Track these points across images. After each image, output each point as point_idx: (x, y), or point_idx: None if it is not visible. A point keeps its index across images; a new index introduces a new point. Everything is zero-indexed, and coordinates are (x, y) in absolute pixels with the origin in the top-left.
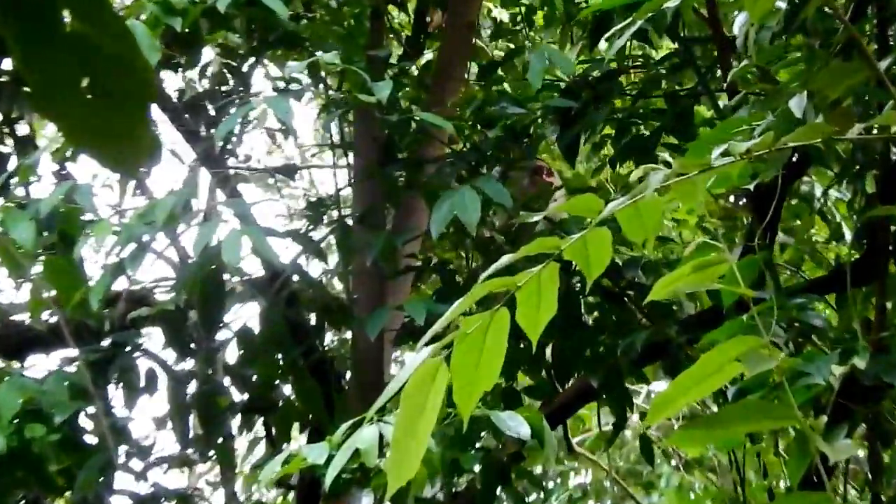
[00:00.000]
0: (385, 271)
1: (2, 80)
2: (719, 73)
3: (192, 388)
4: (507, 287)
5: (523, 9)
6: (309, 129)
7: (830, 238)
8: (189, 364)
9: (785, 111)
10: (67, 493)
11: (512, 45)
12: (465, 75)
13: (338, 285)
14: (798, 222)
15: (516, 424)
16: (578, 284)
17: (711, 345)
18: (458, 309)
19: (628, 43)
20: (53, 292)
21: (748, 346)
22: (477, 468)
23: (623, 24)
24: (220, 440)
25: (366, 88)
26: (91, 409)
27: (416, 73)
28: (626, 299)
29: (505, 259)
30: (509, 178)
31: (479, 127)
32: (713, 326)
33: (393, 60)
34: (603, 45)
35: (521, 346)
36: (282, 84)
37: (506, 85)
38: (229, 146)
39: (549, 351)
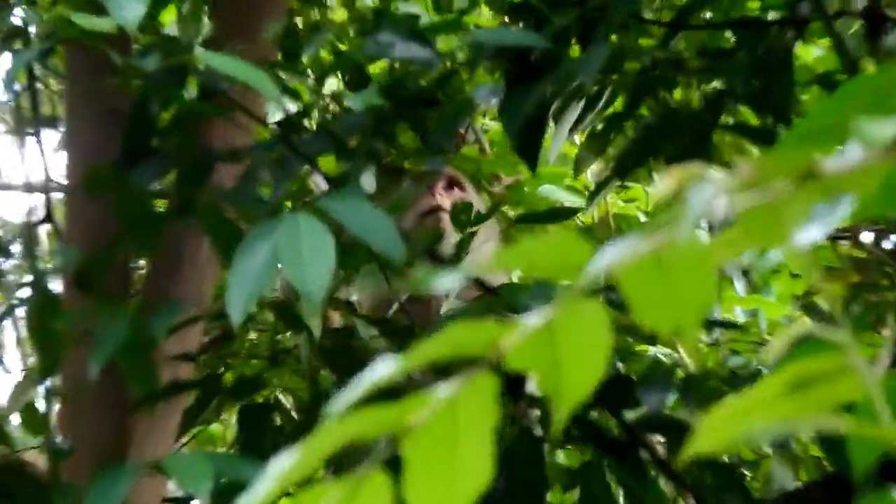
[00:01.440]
0: (130, 392)
1: None
2: None
3: None
4: (385, 429)
5: None
6: None
7: None
8: None
9: None
10: None
11: None
12: None
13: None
14: None
15: None
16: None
17: None
18: (285, 478)
19: None
20: None
21: None
22: None
23: None
24: None
25: (93, 4)
26: None
27: None
28: (644, 452)
29: (385, 369)
30: (397, 195)
31: (328, 82)
32: None
33: None
34: None
35: None
36: None
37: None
38: None
39: None
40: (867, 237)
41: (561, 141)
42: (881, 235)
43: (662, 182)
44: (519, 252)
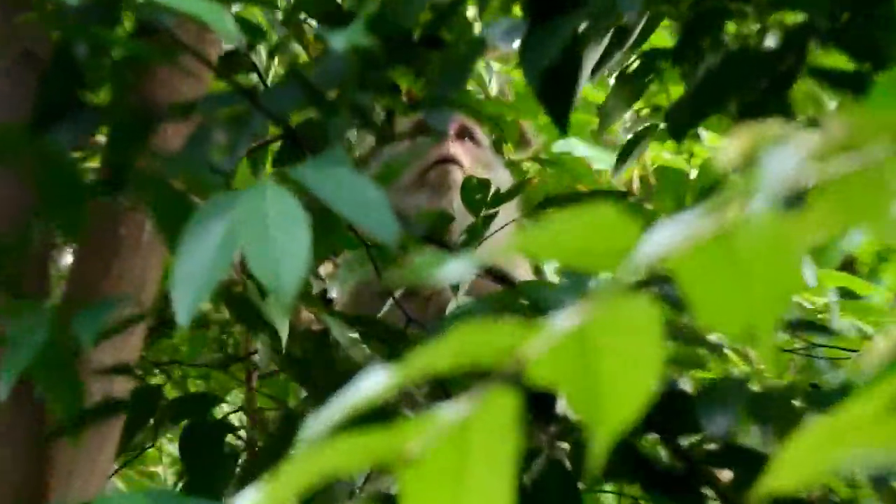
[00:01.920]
0: (49, 418)
1: None
2: None
3: None
4: (375, 460)
5: None
6: None
7: None
8: None
9: None
10: None
11: None
12: None
13: None
14: None
15: None
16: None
17: None
18: None
19: None
20: None
21: None
22: None
23: None
24: None
25: None
26: None
27: None
28: (706, 487)
29: (374, 382)
30: (390, 160)
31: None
32: None
33: None
34: None
35: None
36: None
37: None
38: None
39: None
40: None
41: (581, 84)
42: None
43: (732, 143)
44: (546, 234)
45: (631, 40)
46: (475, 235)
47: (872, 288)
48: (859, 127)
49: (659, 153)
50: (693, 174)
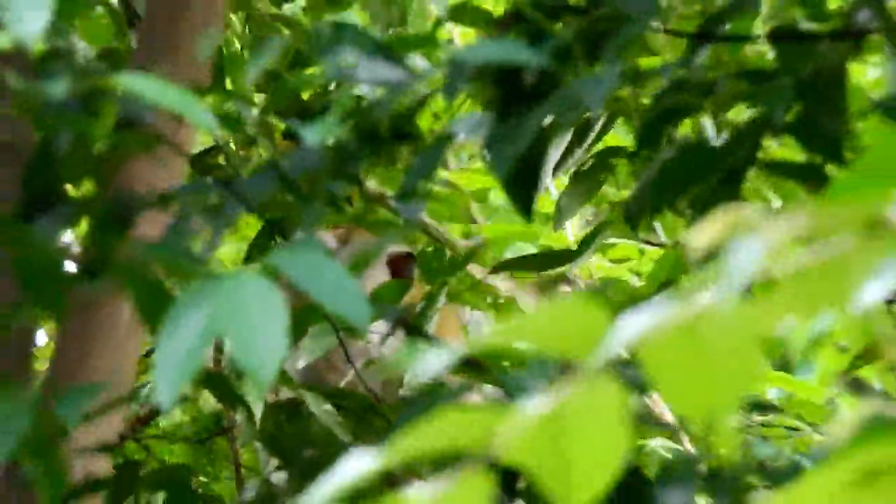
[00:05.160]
0: (37, 496)
1: None
2: None
3: None
4: None
5: None
6: None
7: None
8: None
9: None
10: None
11: None
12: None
13: None
14: None
15: None
16: None
17: None
18: None
19: None
20: None
21: None
22: None
23: None
24: None
25: None
26: None
27: None
28: None
29: (359, 466)
30: (362, 249)
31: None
32: None
33: None
34: None
35: None
36: None
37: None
38: None
39: None
40: None
41: (545, 183)
42: None
43: (702, 232)
44: (523, 324)
45: (590, 138)
46: (429, 310)
47: (807, 386)
48: (824, 218)
49: (602, 262)
50: (635, 282)
